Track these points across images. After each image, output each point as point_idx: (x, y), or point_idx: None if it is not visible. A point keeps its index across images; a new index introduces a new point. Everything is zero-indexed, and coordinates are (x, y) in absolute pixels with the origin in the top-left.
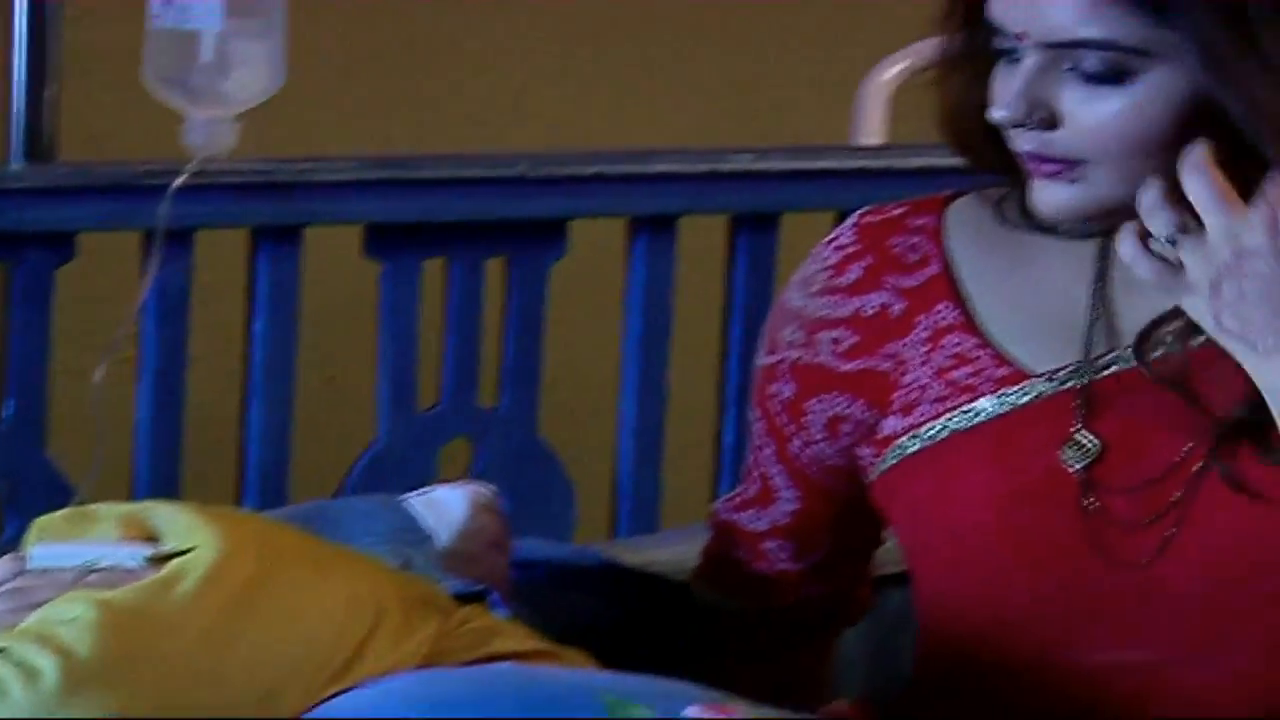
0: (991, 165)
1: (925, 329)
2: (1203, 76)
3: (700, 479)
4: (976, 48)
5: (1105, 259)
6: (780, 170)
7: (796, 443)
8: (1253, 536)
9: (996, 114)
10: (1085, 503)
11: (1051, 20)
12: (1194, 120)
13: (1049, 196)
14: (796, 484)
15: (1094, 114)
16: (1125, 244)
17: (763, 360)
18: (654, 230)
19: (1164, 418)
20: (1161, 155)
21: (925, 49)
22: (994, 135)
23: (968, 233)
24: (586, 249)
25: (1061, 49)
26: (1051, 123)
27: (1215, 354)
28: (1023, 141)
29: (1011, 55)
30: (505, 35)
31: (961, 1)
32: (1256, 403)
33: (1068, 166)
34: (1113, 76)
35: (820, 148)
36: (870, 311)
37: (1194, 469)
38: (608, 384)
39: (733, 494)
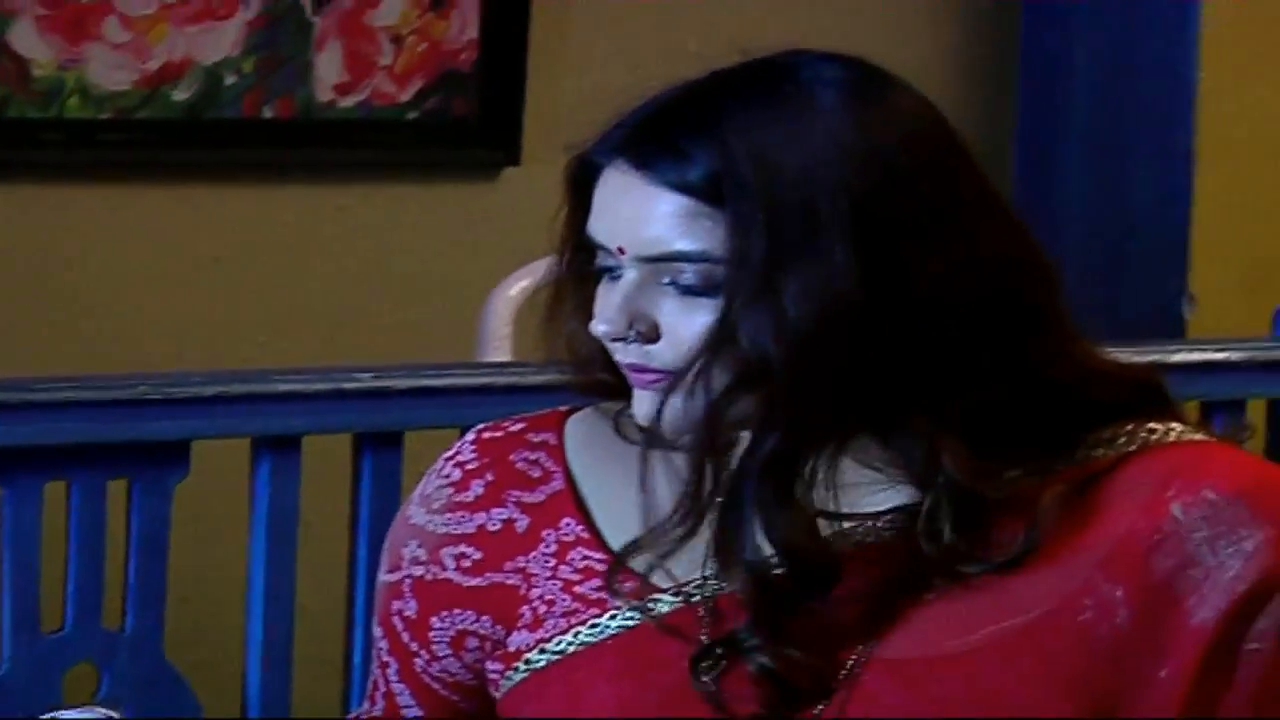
0: (601, 384)
1: (551, 544)
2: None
3: (331, 697)
4: (587, 269)
5: None
6: (402, 388)
7: (421, 660)
8: None
9: (598, 328)
10: (720, 714)
11: (648, 234)
12: None
13: (649, 407)
14: (422, 701)
15: (689, 326)
16: None
17: (385, 577)
18: (277, 450)
19: None
20: None
21: (550, 266)
22: (605, 352)
23: (588, 448)
24: (213, 467)
25: (659, 263)
26: (652, 336)
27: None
28: (624, 354)
29: (613, 273)
30: (125, 255)
31: (574, 225)
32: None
33: (667, 377)
34: (708, 289)
35: (442, 365)
36: (494, 527)
37: (837, 683)
38: (237, 603)
39: (357, 714)
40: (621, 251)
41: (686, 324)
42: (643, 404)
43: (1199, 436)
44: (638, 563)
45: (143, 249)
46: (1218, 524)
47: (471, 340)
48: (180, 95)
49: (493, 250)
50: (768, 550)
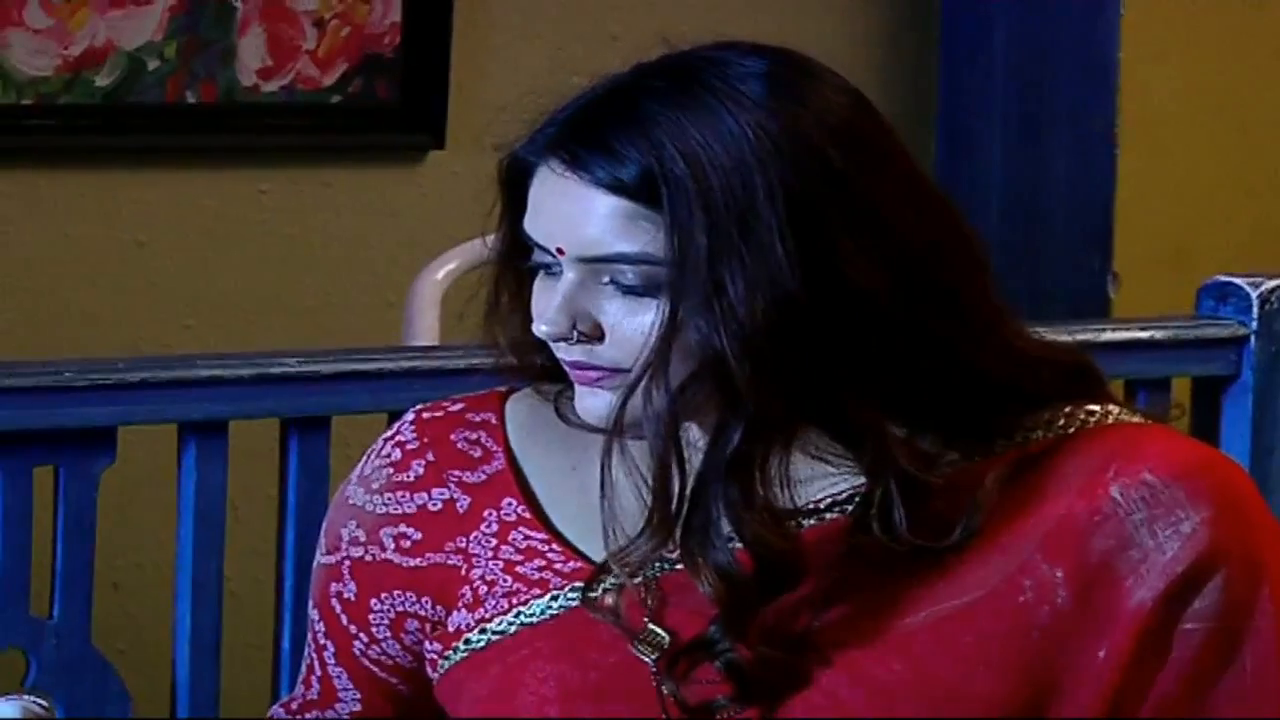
0: (536, 368)
1: (492, 524)
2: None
3: (261, 682)
4: (523, 265)
5: None
6: (329, 373)
7: (360, 643)
8: None
9: (540, 329)
10: (663, 693)
11: (586, 235)
12: None
13: (593, 404)
14: (359, 684)
15: (634, 325)
16: None
17: (323, 559)
18: (203, 435)
19: None
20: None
21: (476, 249)
22: (545, 343)
23: (529, 428)
24: (140, 453)
25: (598, 263)
26: (595, 335)
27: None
28: (567, 353)
29: (550, 269)
30: (49, 241)
31: (508, 221)
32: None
33: (611, 374)
34: (649, 288)
35: (369, 349)
36: (435, 507)
37: (797, 673)
38: (166, 589)
39: (291, 697)
40: (560, 252)
41: (631, 324)
42: (586, 399)
43: (1136, 419)
44: (588, 549)
45: (66, 235)
46: (1156, 506)
47: (397, 324)
48: (102, 81)
49: (418, 234)
50: (734, 549)
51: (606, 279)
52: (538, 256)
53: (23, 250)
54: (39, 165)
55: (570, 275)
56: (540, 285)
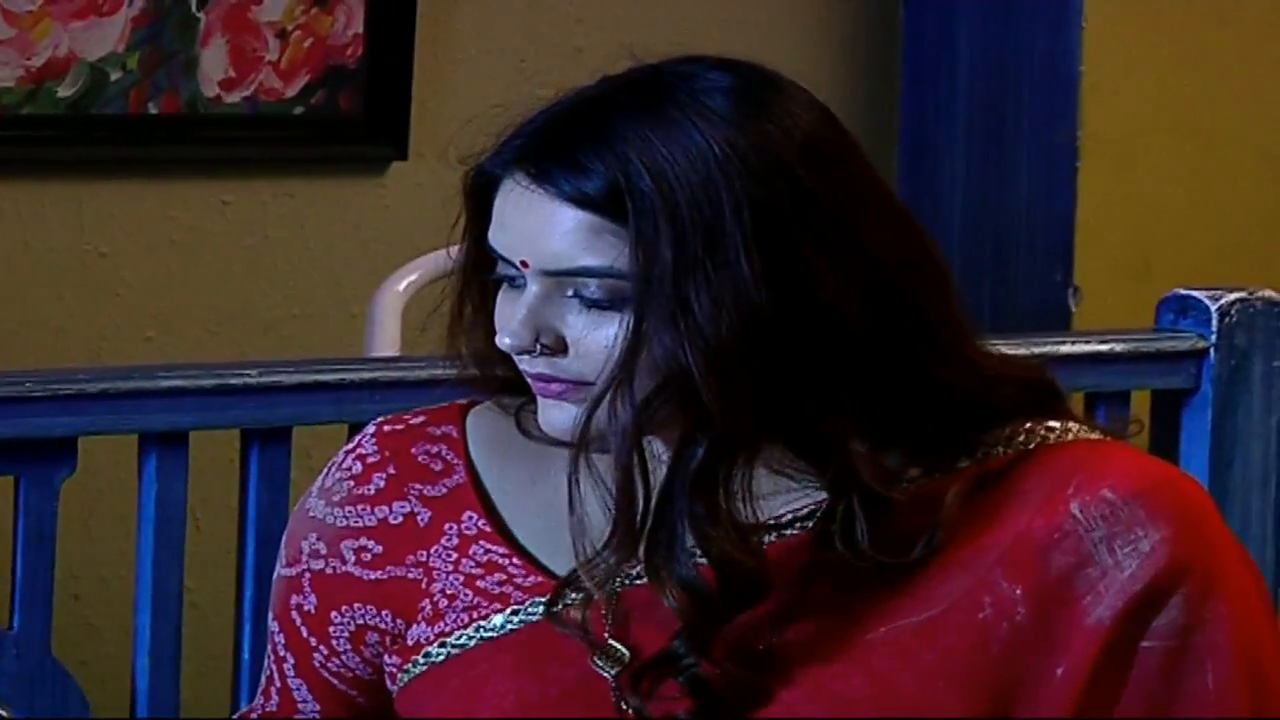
0: (498, 380)
1: (453, 537)
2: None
3: (221, 693)
4: (488, 276)
5: None
6: (290, 384)
7: (319, 655)
8: None
9: (503, 342)
10: (623, 708)
11: (551, 249)
12: None
13: (556, 417)
14: (319, 696)
15: (598, 339)
16: None
17: (284, 571)
18: (164, 446)
19: None
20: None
21: (439, 260)
22: (508, 355)
23: (490, 442)
24: (101, 463)
25: (562, 276)
26: (558, 348)
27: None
28: (530, 365)
29: (514, 282)
30: (9, 251)
31: (473, 233)
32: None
33: (574, 387)
34: (613, 302)
35: (331, 360)
36: (396, 520)
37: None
38: (126, 600)
39: (250, 708)
40: (524, 265)
41: (594, 337)
42: (549, 412)
43: (1096, 436)
44: (550, 562)
45: (28, 245)
46: (1115, 524)
47: (360, 335)
48: (65, 91)
49: (381, 245)
50: (698, 563)
51: (570, 292)
52: (501, 269)
53: None
54: (0, 176)
55: (534, 288)
56: (504, 298)
